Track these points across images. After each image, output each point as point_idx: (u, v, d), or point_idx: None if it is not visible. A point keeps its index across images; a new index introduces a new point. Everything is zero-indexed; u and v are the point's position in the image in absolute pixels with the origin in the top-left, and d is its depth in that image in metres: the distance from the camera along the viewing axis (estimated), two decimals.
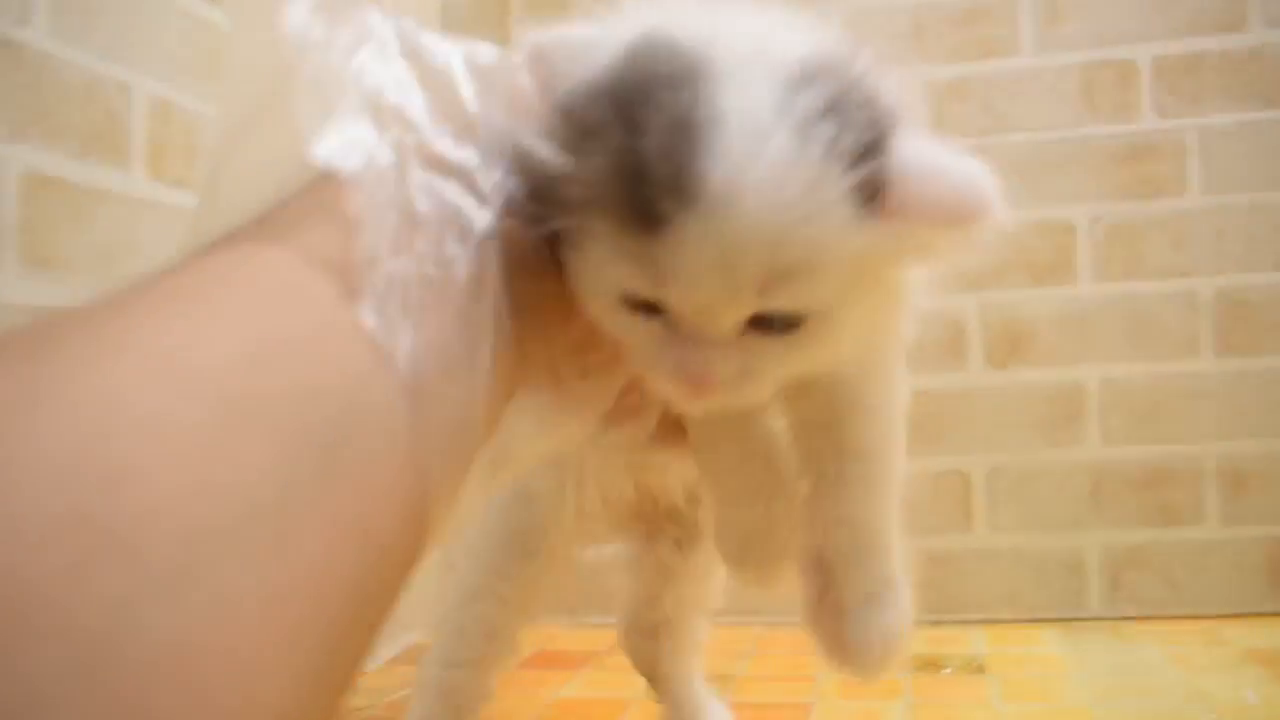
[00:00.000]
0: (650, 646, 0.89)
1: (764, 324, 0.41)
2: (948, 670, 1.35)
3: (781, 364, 0.44)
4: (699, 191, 0.35)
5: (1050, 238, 1.61)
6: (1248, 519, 1.55)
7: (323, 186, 0.33)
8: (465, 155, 0.35)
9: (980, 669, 1.36)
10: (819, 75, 0.38)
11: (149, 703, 0.20)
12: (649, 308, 0.40)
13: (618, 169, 0.37)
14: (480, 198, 0.35)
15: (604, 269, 0.40)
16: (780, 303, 0.40)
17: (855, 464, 0.50)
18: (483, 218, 0.35)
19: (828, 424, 0.50)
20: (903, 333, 0.52)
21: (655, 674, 0.91)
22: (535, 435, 0.43)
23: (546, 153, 0.37)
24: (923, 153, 0.40)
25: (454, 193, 0.34)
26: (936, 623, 1.57)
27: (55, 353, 0.23)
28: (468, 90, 0.36)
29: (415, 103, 0.35)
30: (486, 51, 0.38)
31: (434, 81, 0.35)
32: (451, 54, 0.37)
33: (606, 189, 0.37)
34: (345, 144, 0.33)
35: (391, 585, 0.30)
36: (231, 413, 0.25)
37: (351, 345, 0.30)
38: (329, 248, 0.31)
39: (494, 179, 0.36)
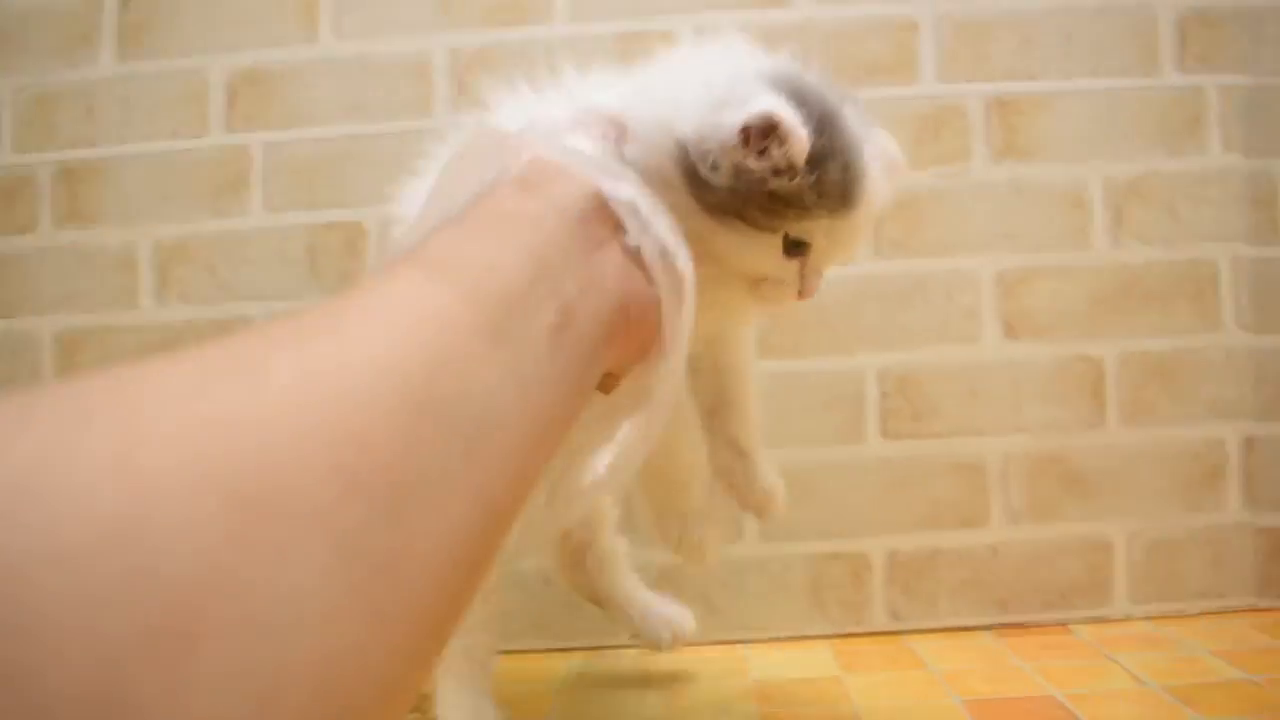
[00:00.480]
0: (583, 573, 1.08)
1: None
2: None
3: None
4: (862, 198, 0.70)
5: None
6: None
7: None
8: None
9: None
10: (872, 128, 0.77)
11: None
12: (796, 252, 0.70)
13: (838, 186, 0.69)
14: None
15: (797, 228, 0.69)
16: None
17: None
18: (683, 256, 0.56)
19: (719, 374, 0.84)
20: None
21: (599, 597, 1.09)
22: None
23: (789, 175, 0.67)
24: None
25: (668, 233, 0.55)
26: None
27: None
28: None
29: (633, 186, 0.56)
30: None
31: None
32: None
33: (829, 193, 0.68)
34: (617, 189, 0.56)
35: (500, 545, 0.40)
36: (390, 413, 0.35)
37: (480, 363, 0.40)
38: (464, 278, 0.43)
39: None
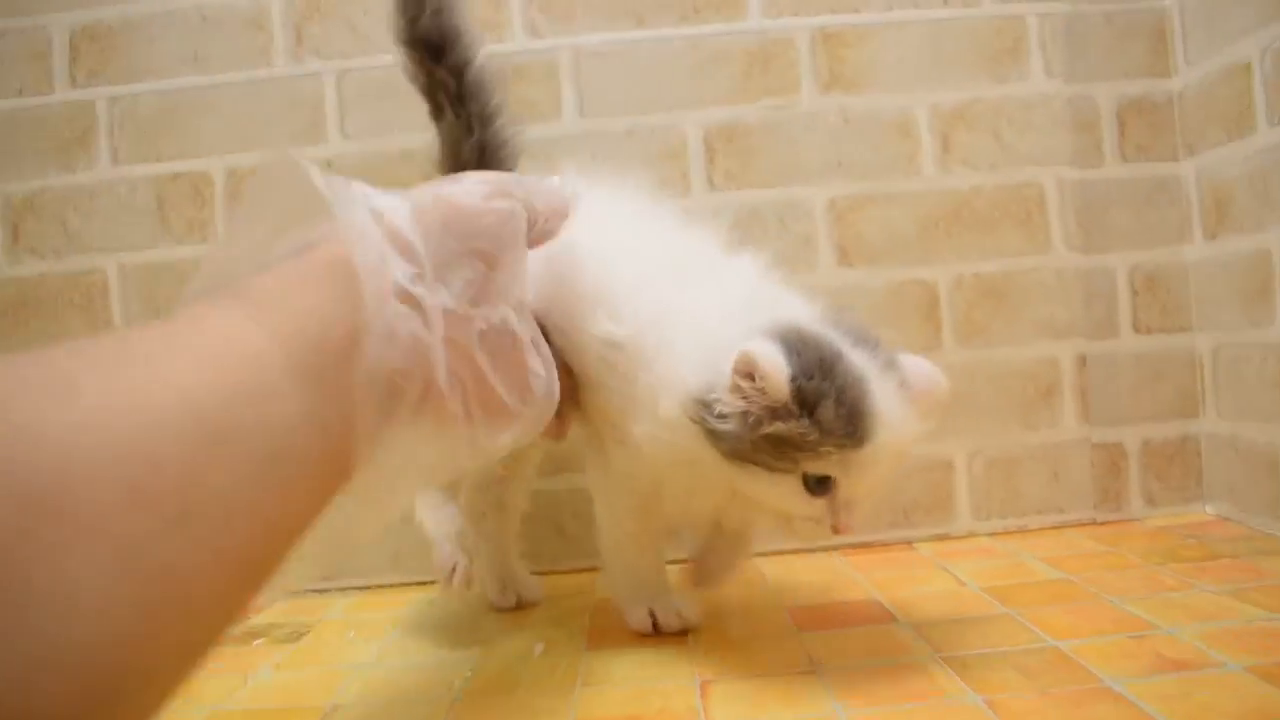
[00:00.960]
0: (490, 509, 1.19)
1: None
2: (259, 640, 1.25)
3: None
4: (875, 431, 0.77)
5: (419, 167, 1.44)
6: None
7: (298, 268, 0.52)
8: (419, 290, 0.54)
9: (296, 637, 1.27)
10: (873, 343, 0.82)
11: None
12: (821, 489, 0.79)
13: (840, 421, 0.76)
14: (425, 317, 0.54)
15: (812, 465, 0.78)
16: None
17: None
18: (433, 336, 0.54)
19: None
20: None
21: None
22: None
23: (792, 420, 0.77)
24: (913, 366, 0.85)
25: (415, 322, 0.53)
26: (319, 591, 1.48)
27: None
28: (412, 235, 0.56)
29: (386, 254, 0.53)
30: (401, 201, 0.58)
31: (391, 233, 0.55)
32: (399, 208, 0.56)
33: (831, 429, 0.77)
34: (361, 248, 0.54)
35: (281, 560, 0.45)
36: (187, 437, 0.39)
37: (284, 400, 0.44)
38: (283, 322, 0.46)
39: (439, 296, 0.55)
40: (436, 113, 1.07)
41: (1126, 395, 1.52)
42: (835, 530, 0.80)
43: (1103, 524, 1.52)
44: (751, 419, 0.77)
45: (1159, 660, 0.90)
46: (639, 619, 1.00)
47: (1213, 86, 1.43)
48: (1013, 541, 1.46)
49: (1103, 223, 1.52)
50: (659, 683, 0.94)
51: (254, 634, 1.26)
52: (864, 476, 0.79)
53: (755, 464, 0.80)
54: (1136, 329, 1.54)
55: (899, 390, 0.80)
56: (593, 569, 1.40)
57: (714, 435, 0.79)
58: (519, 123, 1.09)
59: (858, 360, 0.79)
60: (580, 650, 1.09)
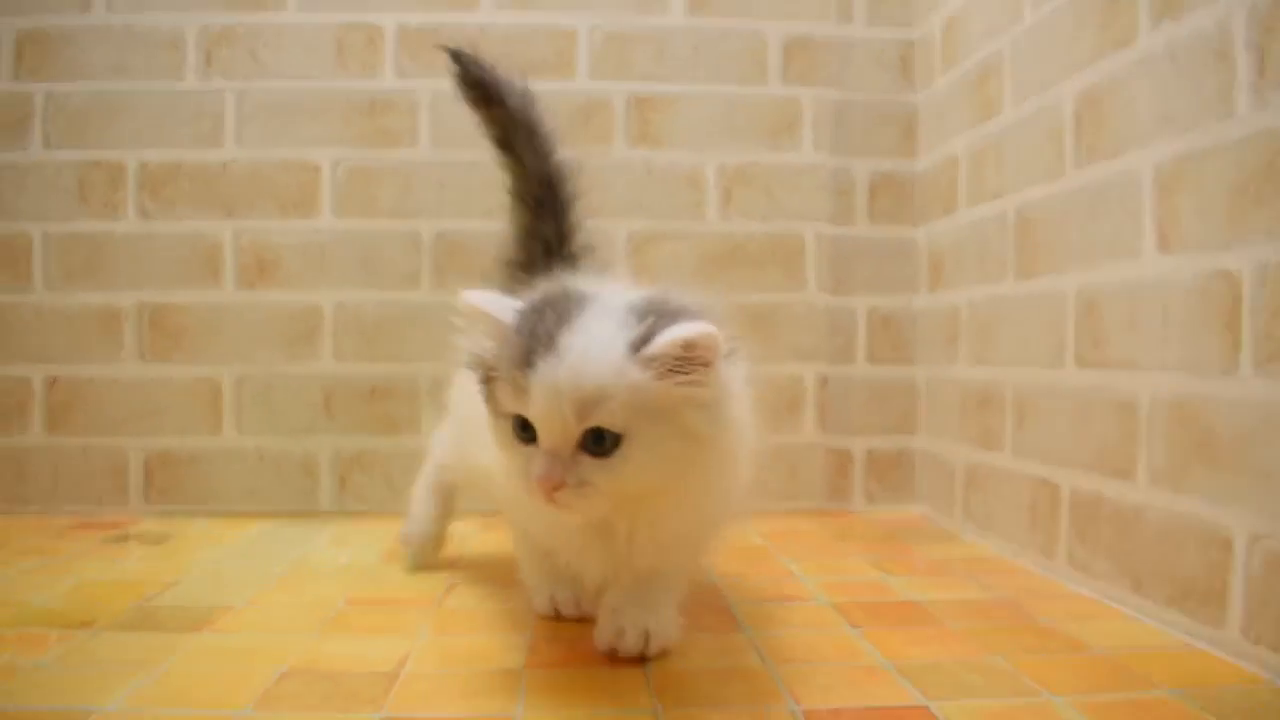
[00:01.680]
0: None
1: (592, 448, 0.80)
2: (131, 541, 1.60)
3: (606, 478, 0.81)
4: (544, 359, 0.78)
5: (299, 175, 1.81)
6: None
7: None
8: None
9: (162, 540, 1.60)
10: (633, 308, 0.83)
11: None
12: (528, 438, 0.81)
13: (526, 347, 0.80)
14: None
15: (505, 400, 0.82)
16: (589, 420, 0.78)
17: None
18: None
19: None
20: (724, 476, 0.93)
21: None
22: None
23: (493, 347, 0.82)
24: (669, 334, 0.79)
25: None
26: (185, 513, 1.83)
27: None
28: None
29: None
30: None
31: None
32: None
33: (517, 356, 0.79)
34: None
35: None
36: None
37: None
38: None
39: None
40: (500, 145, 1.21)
41: (857, 411, 1.88)
42: (536, 482, 0.79)
43: (829, 513, 1.87)
44: (479, 363, 0.85)
45: (778, 594, 1.26)
46: (541, 603, 1.09)
47: (938, 171, 1.80)
48: (754, 520, 1.77)
49: (849, 271, 1.88)
50: (418, 582, 1.33)
51: (128, 537, 1.61)
52: (534, 404, 0.78)
53: (493, 416, 0.85)
54: (870, 359, 1.90)
55: (610, 338, 0.79)
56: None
57: (483, 389, 0.86)
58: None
59: (581, 314, 0.80)
60: (376, 561, 1.48)
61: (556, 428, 0.79)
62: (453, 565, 1.40)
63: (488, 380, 0.84)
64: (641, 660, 0.95)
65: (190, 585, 1.30)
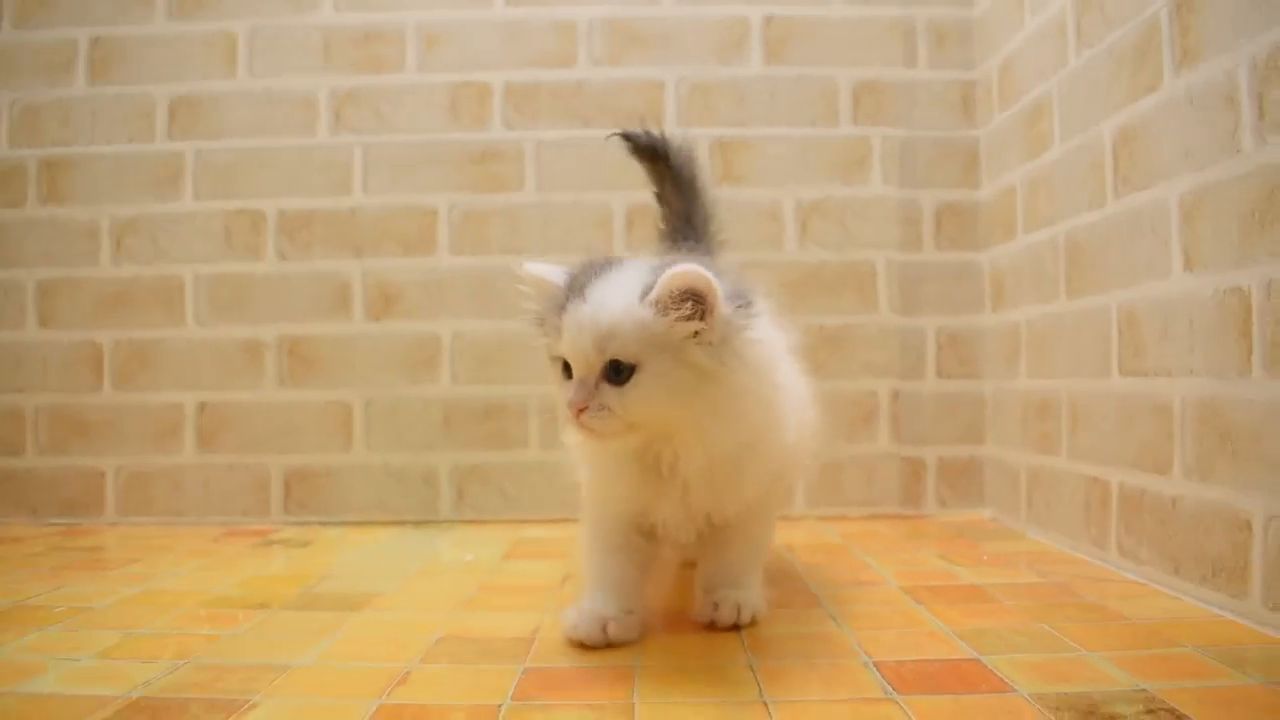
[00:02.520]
0: None
1: (612, 378, 0.95)
2: (277, 545, 1.81)
3: (620, 402, 0.95)
4: (571, 304, 0.94)
5: (418, 219, 2.05)
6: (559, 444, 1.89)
7: None
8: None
9: (305, 544, 1.80)
10: (656, 267, 0.97)
11: None
12: (569, 375, 0.96)
13: (564, 297, 0.97)
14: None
15: (552, 344, 0.98)
16: (607, 352, 0.94)
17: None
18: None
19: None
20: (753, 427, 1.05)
21: None
22: None
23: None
24: (661, 276, 0.95)
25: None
26: (319, 523, 2.03)
27: None
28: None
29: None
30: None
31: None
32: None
33: (557, 305, 0.97)
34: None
35: None
36: None
37: None
38: None
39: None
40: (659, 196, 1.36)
41: (928, 423, 2.04)
42: (570, 406, 0.94)
43: (905, 517, 2.01)
44: (540, 312, 1.01)
45: (855, 581, 1.41)
46: (577, 618, 1.08)
47: (997, 200, 1.95)
48: (833, 524, 1.94)
49: (918, 294, 2.04)
50: (538, 574, 1.51)
51: (273, 543, 1.81)
52: (565, 340, 0.94)
53: (550, 361, 1.00)
54: (939, 374, 2.05)
55: (622, 288, 0.95)
56: (522, 520, 1.99)
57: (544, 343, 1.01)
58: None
59: (605, 273, 0.97)
60: (497, 559, 1.64)
61: (582, 358, 0.94)
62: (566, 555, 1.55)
63: (545, 334, 0.98)
64: (735, 629, 1.10)
65: (342, 578, 1.48)
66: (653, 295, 0.92)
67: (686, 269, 0.91)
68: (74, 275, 2.05)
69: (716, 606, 1.09)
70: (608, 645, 1.05)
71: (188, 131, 2.06)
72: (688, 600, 1.21)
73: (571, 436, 1.03)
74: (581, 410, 0.94)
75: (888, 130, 2.04)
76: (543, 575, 1.47)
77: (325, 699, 0.93)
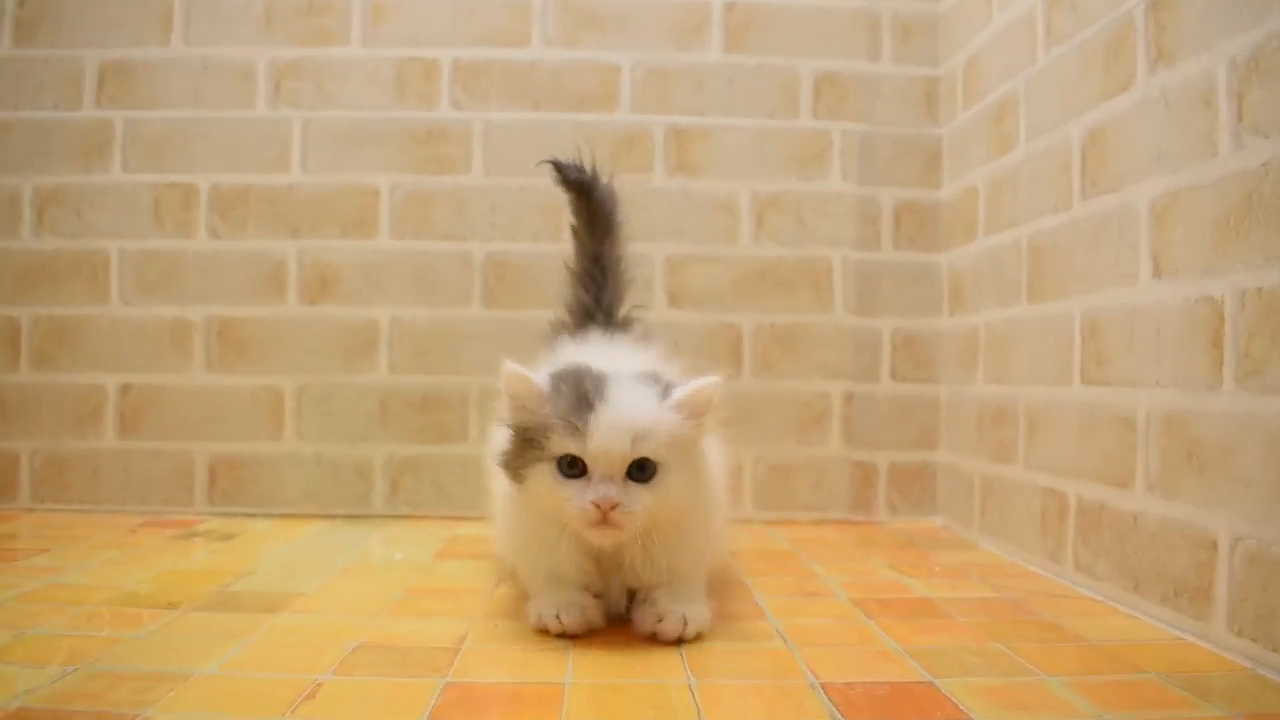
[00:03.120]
0: None
1: (635, 476, 1.01)
2: (199, 537, 1.73)
3: (649, 498, 1.02)
4: (597, 409, 1.00)
5: (359, 199, 1.96)
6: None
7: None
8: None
9: (228, 537, 1.73)
10: (648, 374, 1.07)
11: None
12: (576, 474, 1.01)
13: (574, 404, 1.00)
14: None
15: (555, 445, 1.00)
16: (641, 450, 1.00)
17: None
18: None
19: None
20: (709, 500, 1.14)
21: None
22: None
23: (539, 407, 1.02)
24: (686, 387, 1.04)
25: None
26: (246, 514, 1.95)
27: None
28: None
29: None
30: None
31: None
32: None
33: (568, 408, 1.00)
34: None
35: None
36: None
37: None
38: None
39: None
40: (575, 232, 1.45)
41: (881, 426, 1.99)
42: (595, 505, 0.99)
43: (854, 523, 1.97)
44: (518, 423, 1.04)
45: (803, 591, 1.36)
46: (544, 615, 1.10)
47: (959, 200, 1.91)
48: (781, 529, 1.90)
49: (875, 293, 1.99)
50: (470, 576, 1.43)
51: (195, 534, 1.72)
52: (595, 439, 0.98)
53: (526, 466, 1.03)
54: (894, 377, 2.01)
55: (645, 393, 1.03)
56: (458, 517, 1.93)
57: (506, 465, 1.06)
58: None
59: (611, 379, 1.03)
60: (429, 558, 1.58)
61: (616, 457, 1.00)
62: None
63: (523, 438, 1.04)
64: (679, 643, 1.06)
65: (262, 575, 1.41)
66: (677, 400, 1.04)
67: (711, 382, 1.06)
68: None
69: (660, 619, 1.07)
70: (590, 631, 1.10)
71: (118, 99, 1.97)
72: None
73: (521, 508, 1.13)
74: (614, 507, 0.99)
75: (848, 124, 2.00)
76: (475, 578, 1.41)
77: (223, 713, 0.86)
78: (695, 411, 1.04)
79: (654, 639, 1.07)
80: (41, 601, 1.22)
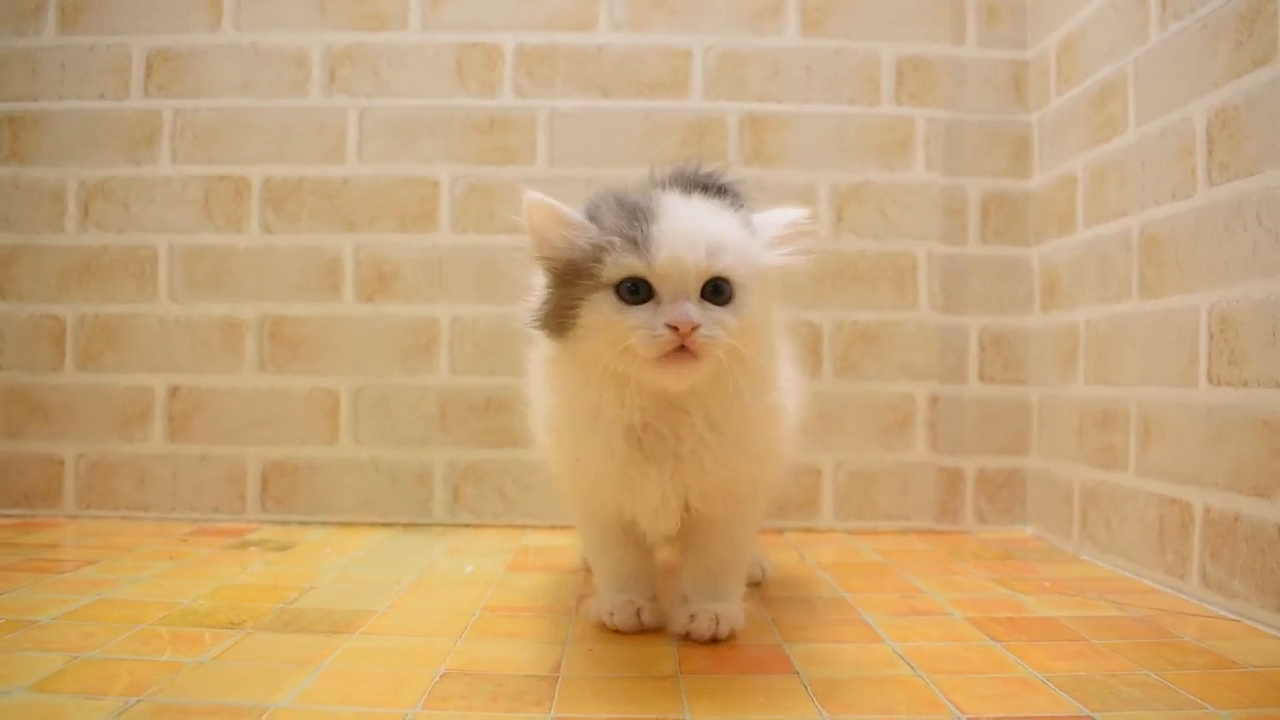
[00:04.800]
0: None
1: (711, 299, 0.88)
2: (253, 547, 1.63)
3: (731, 324, 0.88)
4: (658, 217, 0.89)
5: (418, 191, 1.85)
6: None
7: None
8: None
9: (284, 548, 1.63)
10: (716, 180, 1.05)
11: None
12: (641, 299, 0.88)
13: (629, 218, 0.89)
14: None
15: (612, 268, 0.88)
16: (718, 265, 0.88)
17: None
18: None
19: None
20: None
21: None
22: None
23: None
24: (766, 214, 0.95)
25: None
26: (299, 522, 1.86)
27: None
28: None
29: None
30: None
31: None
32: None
33: (623, 223, 0.89)
34: None
35: None
36: None
37: None
38: None
39: None
40: None
41: (969, 431, 1.87)
42: (672, 328, 0.85)
43: (940, 533, 1.86)
44: (556, 260, 0.93)
45: (911, 609, 1.26)
46: (604, 609, 1.10)
47: (1052, 190, 1.80)
48: (863, 539, 1.79)
49: (961, 290, 1.88)
50: (549, 592, 1.34)
51: (249, 544, 1.63)
52: (663, 251, 0.87)
53: (574, 306, 0.89)
54: (981, 378, 1.89)
55: (714, 206, 0.94)
56: (523, 526, 1.82)
57: (545, 317, 0.95)
58: None
59: (667, 194, 0.94)
60: (500, 571, 1.47)
61: (690, 271, 0.87)
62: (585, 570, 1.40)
63: (565, 275, 0.91)
64: (713, 642, 1.03)
65: (326, 590, 1.32)
66: (756, 220, 0.95)
67: (800, 214, 0.97)
68: (35, 242, 1.88)
69: (693, 618, 1.03)
70: (641, 631, 1.07)
71: (166, 88, 1.89)
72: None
73: (566, 419, 1.01)
74: (694, 329, 0.86)
75: (932, 111, 1.89)
76: (554, 593, 1.31)
77: None
78: (775, 241, 0.93)
79: (688, 639, 1.04)
80: (93, 620, 1.13)
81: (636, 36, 1.86)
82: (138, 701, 0.86)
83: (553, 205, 0.92)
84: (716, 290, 0.88)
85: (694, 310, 0.86)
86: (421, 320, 1.86)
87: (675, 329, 0.85)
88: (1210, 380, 1.28)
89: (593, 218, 0.91)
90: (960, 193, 1.89)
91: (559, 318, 0.92)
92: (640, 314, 0.87)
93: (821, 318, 1.80)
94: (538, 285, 0.98)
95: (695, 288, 0.88)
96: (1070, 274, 1.72)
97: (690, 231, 0.87)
